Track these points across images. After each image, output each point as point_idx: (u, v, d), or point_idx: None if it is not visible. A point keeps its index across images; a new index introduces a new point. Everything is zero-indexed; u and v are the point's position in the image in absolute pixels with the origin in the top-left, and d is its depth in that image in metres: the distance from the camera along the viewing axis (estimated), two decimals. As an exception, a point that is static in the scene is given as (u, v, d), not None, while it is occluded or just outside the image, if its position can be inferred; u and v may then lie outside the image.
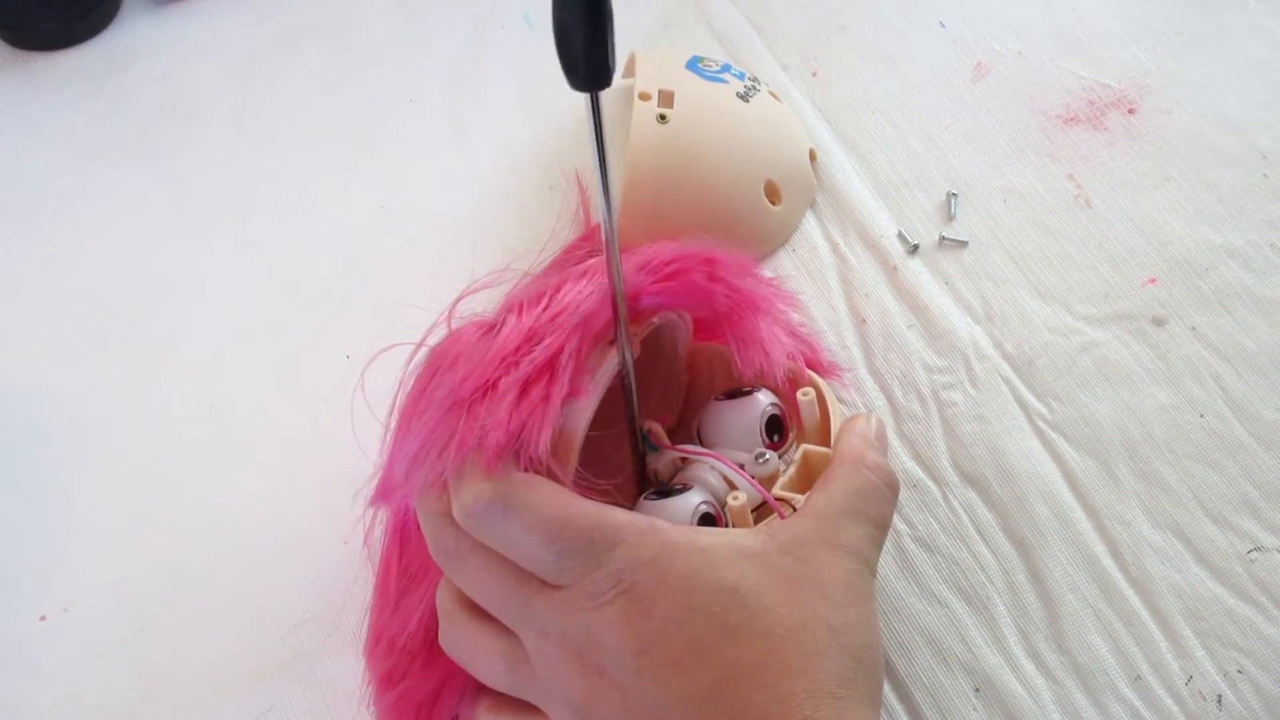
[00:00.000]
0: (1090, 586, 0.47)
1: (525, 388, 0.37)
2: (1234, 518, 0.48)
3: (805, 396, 0.44)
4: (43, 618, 0.49)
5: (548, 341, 0.38)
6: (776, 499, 0.41)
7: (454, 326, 0.43)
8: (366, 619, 0.45)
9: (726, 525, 0.42)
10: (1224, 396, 0.51)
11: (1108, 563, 0.48)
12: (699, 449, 0.44)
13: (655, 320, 0.43)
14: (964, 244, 0.57)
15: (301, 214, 0.61)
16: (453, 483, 0.37)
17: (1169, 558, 0.48)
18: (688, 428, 0.47)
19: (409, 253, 0.59)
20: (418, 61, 0.67)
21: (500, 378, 0.37)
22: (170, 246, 0.60)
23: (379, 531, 0.45)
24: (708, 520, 0.41)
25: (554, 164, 0.62)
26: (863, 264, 0.57)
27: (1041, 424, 0.51)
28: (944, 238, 0.57)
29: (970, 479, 0.50)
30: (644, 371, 0.44)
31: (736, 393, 0.46)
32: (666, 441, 0.44)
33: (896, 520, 0.49)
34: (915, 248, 0.57)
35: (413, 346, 0.42)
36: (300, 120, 0.65)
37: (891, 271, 0.56)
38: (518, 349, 0.38)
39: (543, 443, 0.37)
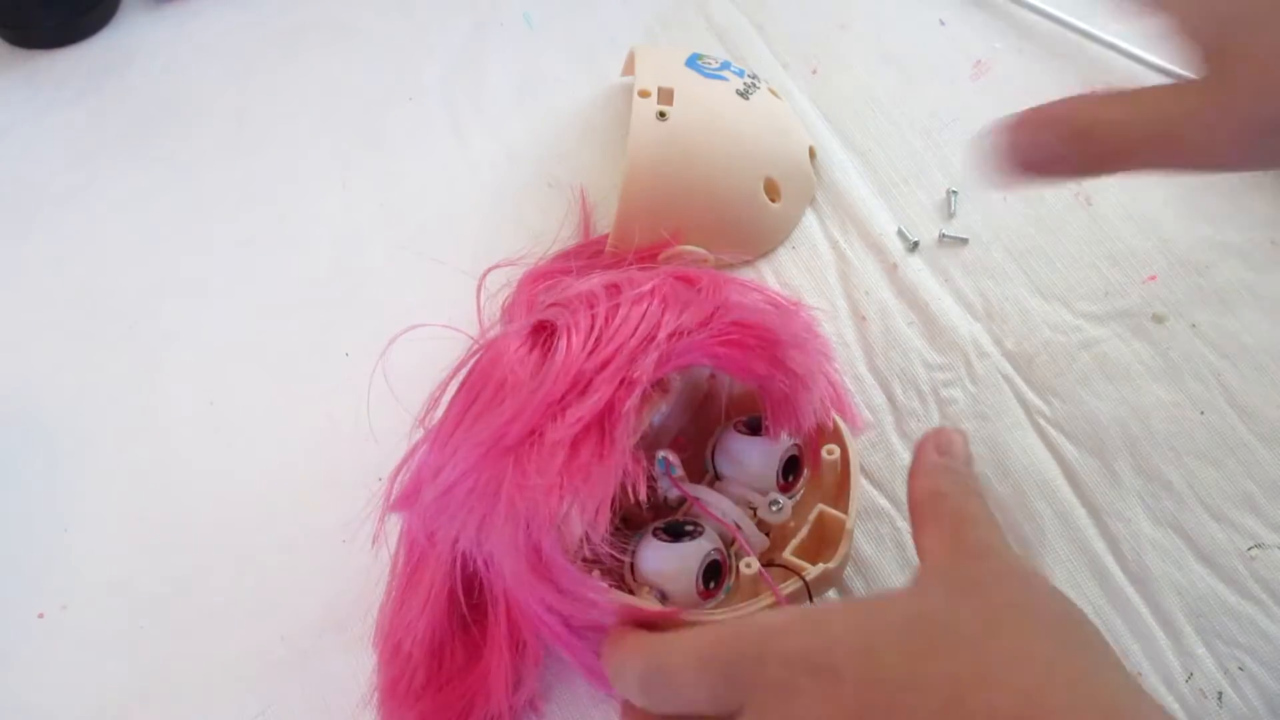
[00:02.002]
0: (1090, 583, 0.47)
1: (575, 446, 0.37)
2: (1234, 515, 0.48)
3: (830, 455, 0.44)
4: (41, 615, 0.49)
5: (597, 396, 0.38)
6: (784, 563, 0.41)
7: (490, 335, 0.42)
8: (376, 615, 0.45)
9: (732, 579, 0.42)
10: (1224, 393, 0.51)
11: (1108, 560, 0.48)
12: (710, 502, 0.43)
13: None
14: (964, 241, 0.57)
15: (301, 213, 0.61)
16: (611, 668, 0.38)
17: (1169, 555, 0.48)
18: (702, 444, 0.47)
19: (408, 251, 0.59)
20: (417, 61, 0.67)
21: (546, 425, 0.37)
22: (170, 245, 0.60)
23: (388, 531, 0.45)
24: (714, 568, 0.41)
25: (554, 163, 0.62)
26: (863, 262, 0.57)
27: (1042, 421, 0.51)
28: (944, 235, 0.57)
29: (970, 476, 0.50)
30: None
31: (759, 424, 0.45)
32: (682, 475, 0.44)
33: (897, 518, 0.49)
34: (915, 245, 0.57)
35: (437, 328, 0.43)
36: (300, 120, 0.65)
37: (891, 269, 0.56)
38: (564, 396, 0.38)
39: (595, 509, 0.37)
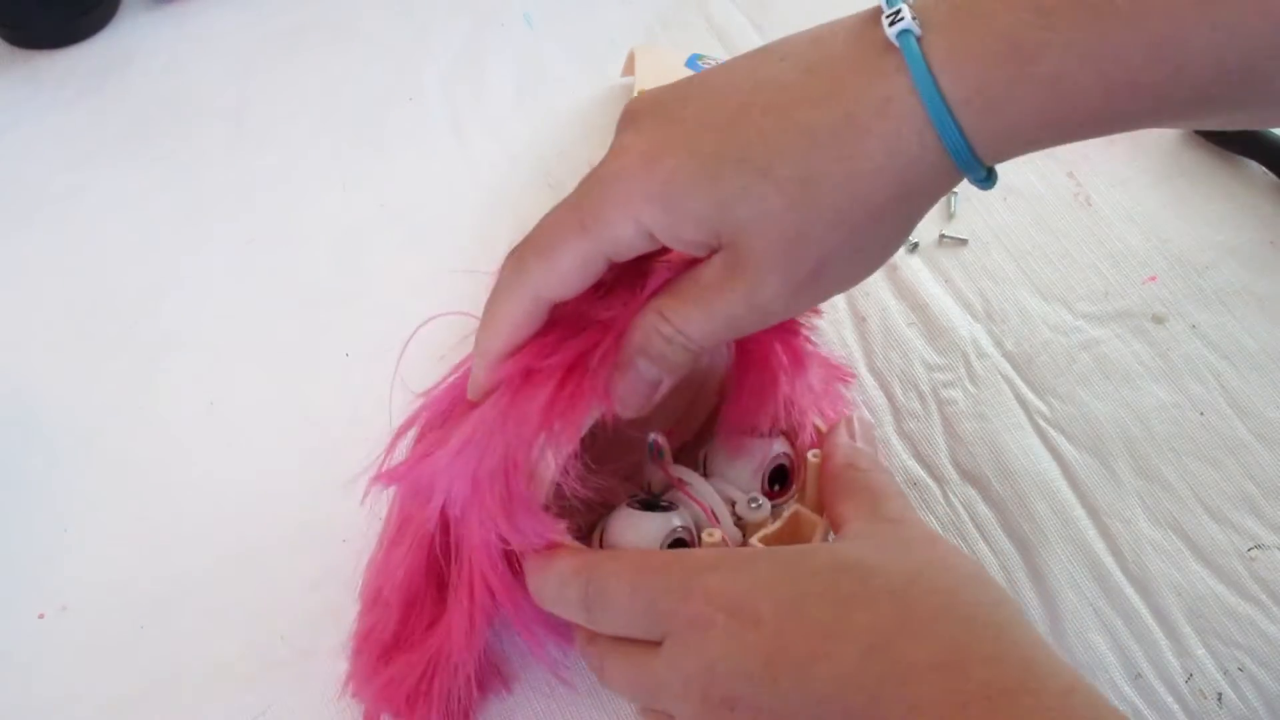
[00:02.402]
0: (1090, 584, 0.47)
1: (562, 382, 0.37)
2: (1234, 515, 0.48)
3: (814, 459, 0.43)
4: (41, 616, 0.49)
5: (587, 335, 0.38)
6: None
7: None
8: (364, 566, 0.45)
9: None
10: (1224, 394, 0.51)
11: (1108, 560, 0.48)
12: (689, 481, 0.43)
13: None
14: (964, 242, 0.57)
15: (301, 213, 0.61)
16: (549, 588, 0.39)
17: (1169, 555, 0.48)
18: (697, 438, 0.47)
19: (408, 251, 0.59)
20: (418, 61, 0.67)
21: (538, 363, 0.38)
22: (170, 245, 0.60)
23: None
24: (679, 545, 0.41)
25: (554, 162, 0.62)
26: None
27: (1041, 422, 0.51)
28: (944, 236, 0.57)
29: (970, 477, 0.50)
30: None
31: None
32: (669, 459, 0.44)
33: (896, 518, 0.49)
34: (915, 246, 0.57)
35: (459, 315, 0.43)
36: (300, 119, 0.65)
37: (891, 269, 0.56)
38: (560, 336, 0.38)
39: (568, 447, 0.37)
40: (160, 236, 0.61)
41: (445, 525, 0.40)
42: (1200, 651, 0.46)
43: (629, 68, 0.61)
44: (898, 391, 0.53)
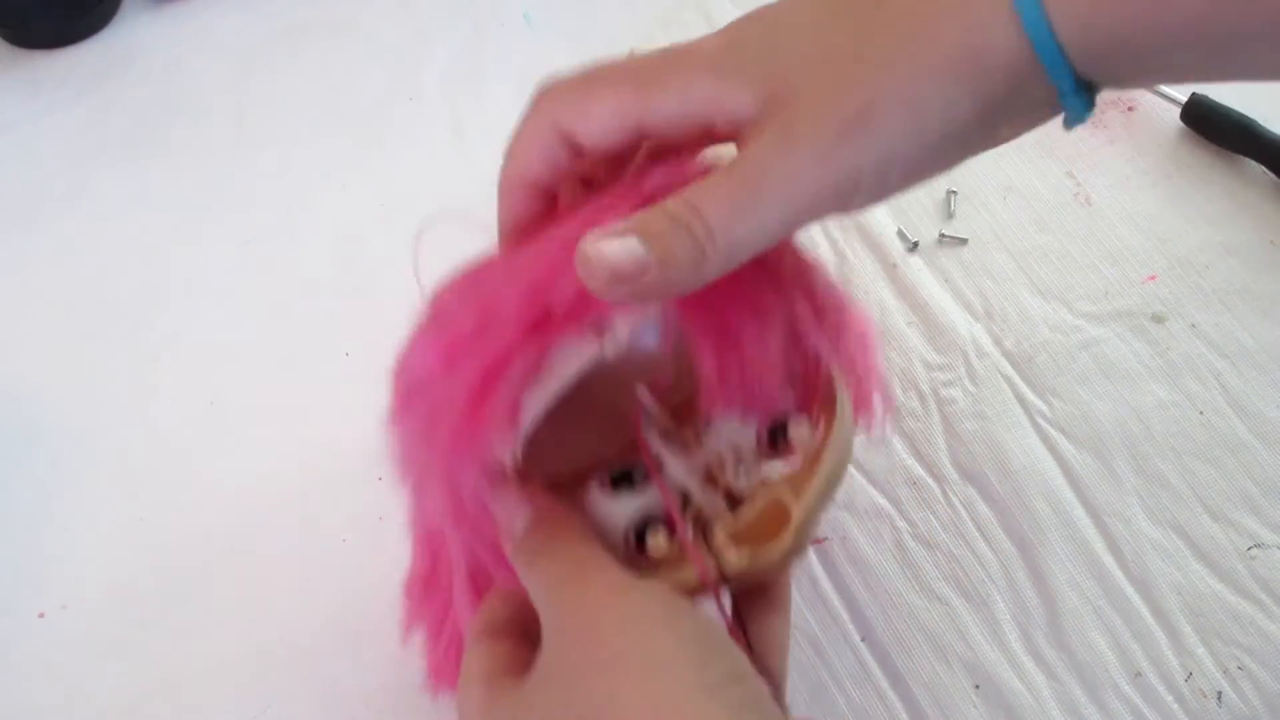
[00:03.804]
0: (1090, 583, 0.47)
1: (486, 390, 0.33)
2: (1234, 514, 0.48)
3: (798, 428, 0.36)
4: (41, 615, 0.49)
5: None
6: (712, 551, 0.35)
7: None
8: None
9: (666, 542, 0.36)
10: (1224, 393, 0.51)
11: (1107, 560, 0.48)
12: (663, 459, 0.37)
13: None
14: (963, 241, 0.57)
15: (301, 212, 0.61)
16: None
17: (1169, 555, 0.48)
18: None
19: (408, 251, 0.59)
20: (418, 61, 0.67)
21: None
22: (169, 245, 0.60)
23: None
24: (644, 532, 0.36)
25: (553, 162, 0.62)
26: (862, 262, 0.57)
27: (1041, 421, 0.51)
28: (943, 235, 0.57)
29: (970, 476, 0.50)
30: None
31: None
32: (656, 415, 0.37)
33: (897, 517, 0.49)
34: (915, 245, 0.57)
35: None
36: (300, 119, 0.65)
37: (891, 269, 0.56)
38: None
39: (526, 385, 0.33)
40: (160, 236, 0.61)
41: None
42: (1200, 650, 0.46)
43: (629, 67, 0.61)
44: (898, 391, 0.53)
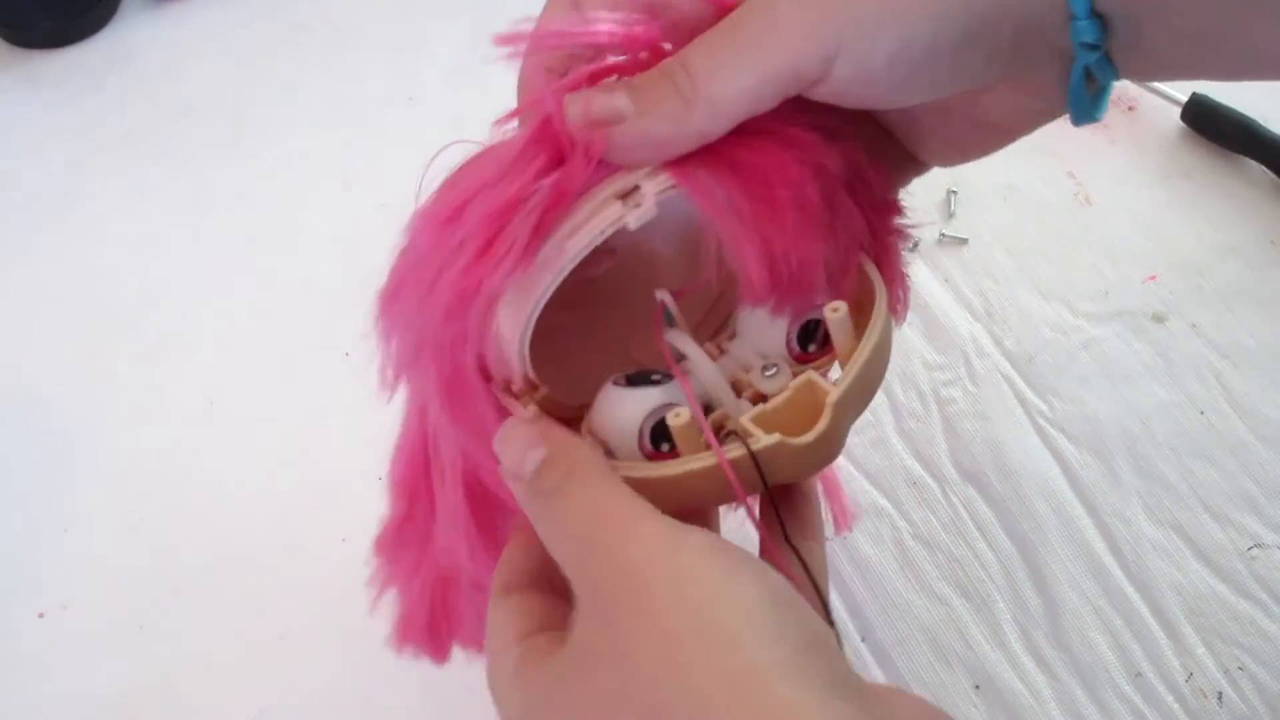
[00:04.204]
0: (1090, 583, 0.47)
1: (495, 234, 0.30)
2: (1234, 514, 0.48)
3: (834, 313, 0.32)
4: (41, 615, 0.49)
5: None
6: (735, 432, 0.31)
7: None
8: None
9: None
10: (1224, 393, 0.51)
11: (1108, 560, 0.48)
12: (685, 352, 0.33)
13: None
14: (964, 241, 0.57)
15: (301, 212, 0.61)
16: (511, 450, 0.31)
17: (1169, 555, 0.48)
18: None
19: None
20: (417, 61, 0.67)
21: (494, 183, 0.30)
22: (169, 245, 0.60)
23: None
24: (664, 429, 0.31)
25: (553, 162, 0.62)
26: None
27: (1042, 421, 0.51)
28: (944, 235, 0.57)
29: (970, 476, 0.50)
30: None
31: None
32: (676, 321, 0.34)
33: (896, 517, 0.49)
34: (915, 245, 0.57)
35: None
36: (300, 119, 0.65)
37: (891, 269, 0.56)
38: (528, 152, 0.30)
39: (489, 307, 0.30)
40: (160, 236, 0.61)
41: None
42: (1200, 650, 0.46)
43: (629, 67, 0.61)
44: (898, 390, 0.53)
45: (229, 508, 0.52)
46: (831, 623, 0.30)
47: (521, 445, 0.30)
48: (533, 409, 0.32)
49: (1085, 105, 0.31)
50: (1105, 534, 0.48)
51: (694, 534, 0.28)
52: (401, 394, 0.35)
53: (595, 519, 0.29)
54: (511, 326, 0.30)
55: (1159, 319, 0.54)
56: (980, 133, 0.35)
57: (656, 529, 0.28)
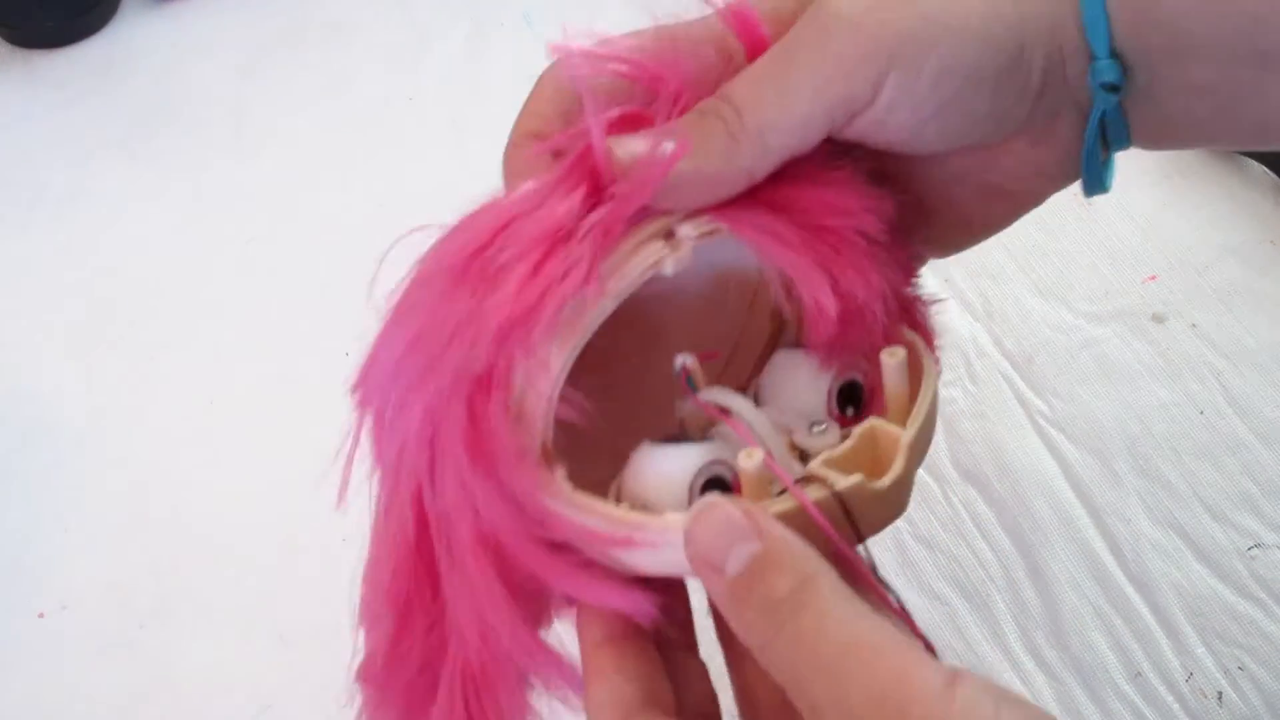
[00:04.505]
0: (1090, 583, 0.47)
1: (545, 255, 0.28)
2: (1234, 514, 0.48)
3: (892, 358, 0.31)
4: (41, 615, 0.49)
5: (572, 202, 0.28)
6: (810, 476, 0.28)
7: None
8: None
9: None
10: (1224, 393, 0.51)
11: (1108, 559, 0.48)
12: (729, 406, 0.31)
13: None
14: (964, 241, 0.57)
15: (301, 213, 0.61)
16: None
17: (1169, 555, 0.48)
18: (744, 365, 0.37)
19: (408, 252, 0.59)
20: (417, 61, 0.67)
21: (501, 240, 0.28)
22: (169, 245, 0.60)
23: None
24: (717, 485, 0.30)
25: (553, 162, 0.62)
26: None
27: (1041, 421, 0.51)
28: (944, 235, 0.57)
29: (970, 476, 0.50)
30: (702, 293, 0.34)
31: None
32: (703, 384, 0.32)
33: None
34: (915, 245, 0.57)
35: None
36: (300, 120, 0.65)
37: (891, 269, 0.56)
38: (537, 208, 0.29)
39: (546, 333, 0.27)
40: (160, 236, 0.61)
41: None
42: (1200, 650, 0.46)
43: (629, 67, 0.61)
44: (898, 391, 0.53)
45: (229, 508, 0.52)
46: (932, 650, 0.28)
47: (723, 532, 0.26)
48: (561, 472, 0.29)
49: (1098, 164, 0.31)
50: (1105, 534, 0.48)
51: (971, 683, 0.24)
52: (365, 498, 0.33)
53: (855, 655, 0.25)
54: (556, 355, 0.28)
55: (1159, 319, 0.54)
56: (989, 202, 0.34)
57: (931, 679, 0.24)
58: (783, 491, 0.28)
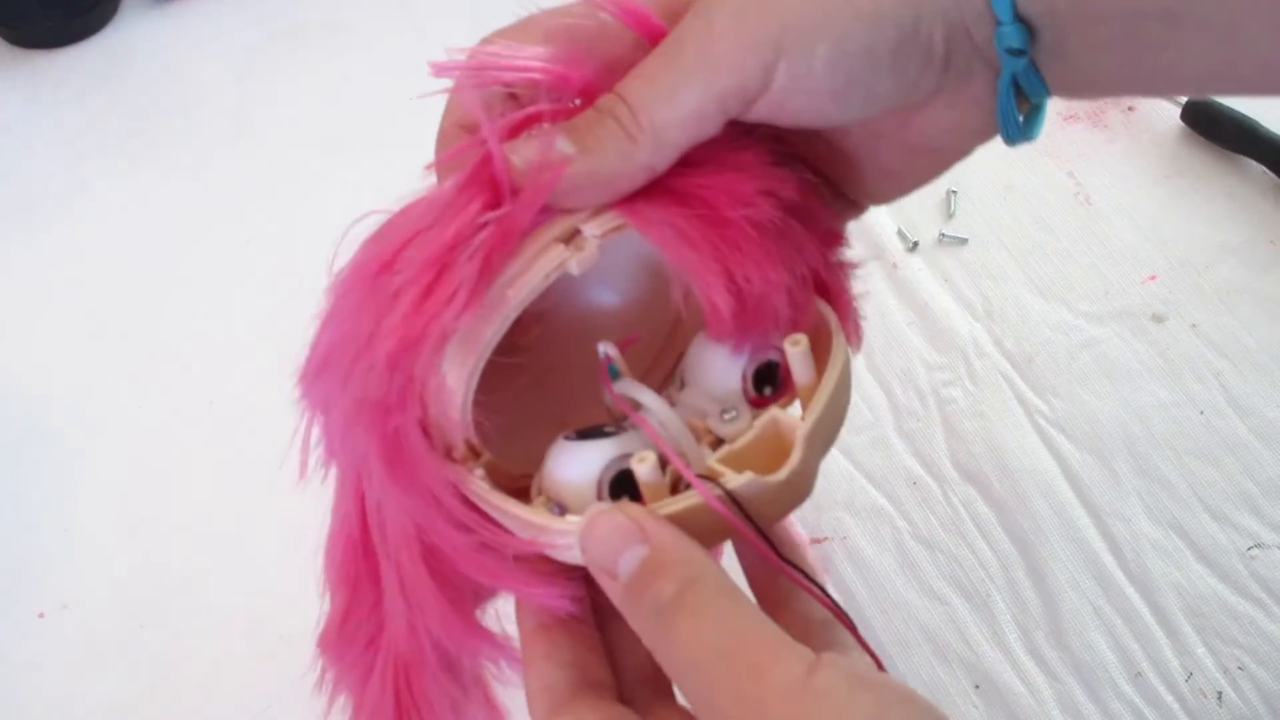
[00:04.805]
0: (1090, 583, 0.47)
1: (441, 273, 0.28)
2: (1234, 514, 0.48)
3: (795, 346, 0.31)
4: (41, 615, 0.49)
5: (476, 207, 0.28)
6: (705, 471, 0.29)
7: None
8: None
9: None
10: (1224, 393, 0.51)
11: (1108, 559, 0.48)
12: (641, 401, 0.32)
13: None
14: (964, 241, 0.57)
15: (300, 213, 0.61)
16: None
17: (1169, 555, 0.48)
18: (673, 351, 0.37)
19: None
20: (418, 61, 0.67)
21: (410, 246, 0.29)
22: (169, 245, 0.60)
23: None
24: (624, 481, 0.30)
25: (553, 162, 0.62)
26: (862, 261, 0.57)
27: (1041, 421, 0.51)
28: (944, 235, 0.57)
29: (970, 476, 0.50)
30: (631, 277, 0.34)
31: None
32: (623, 372, 0.32)
33: (896, 517, 0.49)
34: (915, 245, 0.57)
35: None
36: (300, 119, 0.65)
37: (891, 269, 0.56)
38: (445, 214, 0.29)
39: (432, 360, 0.28)
40: (160, 236, 0.61)
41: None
42: (1200, 650, 0.46)
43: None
44: (897, 391, 0.53)
45: (229, 507, 0.52)
46: (850, 624, 0.29)
47: (612, 539, 0.27)
48: (480, 473, 0.30)
49: (1015, 121, 0.31)
50: (1105, 534, 0.48)
51: (829, 670, 0.25)
52: (327, 480, 0.34)
53: (722, 654, 0.26)
54: (455, 377, 0.29)
55: (1158, 319, 0.54)
56: (913, 158, 0.34)
57: (790, 670, 0.25)
58: (689, 487, 0.28)
